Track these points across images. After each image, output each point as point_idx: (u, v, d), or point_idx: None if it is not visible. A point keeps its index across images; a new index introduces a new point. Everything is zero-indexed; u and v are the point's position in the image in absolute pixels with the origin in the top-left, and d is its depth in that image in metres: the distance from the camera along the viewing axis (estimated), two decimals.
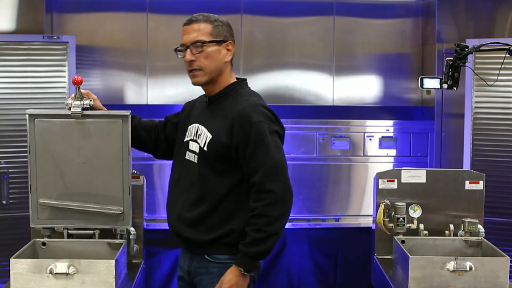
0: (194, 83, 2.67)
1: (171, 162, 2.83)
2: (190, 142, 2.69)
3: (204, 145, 2.60)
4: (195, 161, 2.63)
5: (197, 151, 2.62)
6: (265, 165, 2.51)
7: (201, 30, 2.61)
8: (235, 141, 2.54)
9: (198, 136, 2.65)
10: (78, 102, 2.94)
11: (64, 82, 4.29)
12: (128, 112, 2.96)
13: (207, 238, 2.60)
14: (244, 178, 2.58)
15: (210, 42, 2.60)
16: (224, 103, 2.65)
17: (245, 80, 2.75)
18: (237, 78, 2.73)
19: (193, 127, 2.70)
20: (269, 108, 2.62)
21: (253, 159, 2.52)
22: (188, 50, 2.61)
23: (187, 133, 2.73)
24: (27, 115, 2.98)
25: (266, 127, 2.54)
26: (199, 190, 2.61)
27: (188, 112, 2.81)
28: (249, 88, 2.74)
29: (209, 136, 2.60)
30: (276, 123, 2.60)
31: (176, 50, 2.66)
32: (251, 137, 2.52)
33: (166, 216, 2.83)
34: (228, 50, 2.64)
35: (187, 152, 2.69)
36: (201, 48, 2.59)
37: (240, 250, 2.54)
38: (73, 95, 2.95)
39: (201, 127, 2.65)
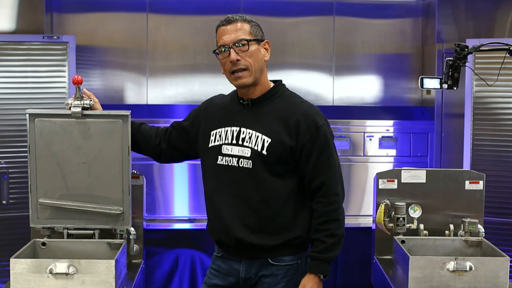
0: (240, 85, 2.59)
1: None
2: (225, 146, 2.61)
3: (262, 149, 2.54)
4: (246, 165, 2.56)
5: (249, 155, 2.56)
6: (330, 168, 2.58)
7: (242, 29, 2.56)
8: (301, 142, 2.54)
9: (244, 140, 2.58)
10: (78, 102, 2.94)
11: (64, 82, 4.29)
12: (128, 112, 2.96)
13: (275, 243, 2.59)
14: (301, 179, 2.59)
15: (253, 40, 2.56)
16: (271, 105, 2.61)
17: (282, 81, 2.72)
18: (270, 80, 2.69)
19: (226, 131, 2.62)
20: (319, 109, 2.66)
21: (318, 162, 2.55)
22: (232, 50, 2.54)
23: (212, 137, 2.65)
24: (27, 115, 2.99)
25: (328, 130, 2.59)
26: (259, 194, 2.56)
27: (206, 117, 2.72)
28: (288, 89, 2.72)
29: (267, 139, 2.55)
30: (329, 124, 2.64)
31: (214, 52, 2.60)
32: (318, 140, 2.55)
33: (207, 221, 2.74)
34: (265, 49, 2.63)
35: (220, 156, 2.61)
36: (246, 47, 2.55)
37: (315, 257, 2.58)
38: (74, 95, 2.96)
39: (247, 130, 2.58)
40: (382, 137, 4.74)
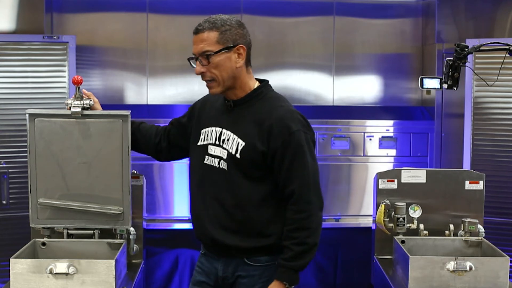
0: (211, 94, 2.60)
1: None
2: (210, 146, 2.61)
3: (236, 152, 2.53)
4: (224, 167, 2.56)
5: (225, 157, 2.55)
6: (303, 176, 2.51)
7: (207, 40, 2.50)
8: (272, 148, 2.50)
9: (223, 141, 2.57)
10: (78, 102, 2.94)
11: (64, 82, 4.29)
12: (128, 112, 2.96)
13: (250, 246, 2.57)
14: (277, 185, 2.55)
15: (217, 52, 2.50)
16: (252, 107, 2.57)
17: (268, 82, 2.66)
18: (256, 79, 2.65)
19: (212, 131, 2.62)
20: (301, 114, 2.58)
21: (290, 168, 2.50)
22: (198, 61, 2.53)
23: (202, 136, 2.65)
24: (27, 115, 2.99)
25: (303, 136, 2.52)
26: (233, 197, 2.55)
27: (199, 114, 2.73)
28: (274, 91, 2.67)
29: (242, 142, 2.52)
30: (309, 129, 2.58)
31: (189, 59, 2.59)
32: (290, 146, 2.49)
33: (191, 218, 2.75)
34: (239, 54, 2.53)
35: (207, 156, 2.61)
36: (209, 59, 2.50)
37: (282, 265, 2.53)
38: (74, 95, 2.96)
39: (227, 132, 2.57)
40: (382, 137, 4.74)
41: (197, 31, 2.54)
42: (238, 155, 2.53)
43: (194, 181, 2.69)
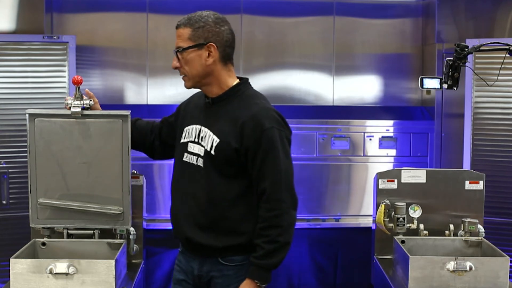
0: (185, 87, 2.65)
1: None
2: (190, 144, 2.63)
3: (211, 149, 2.54)
4: (200, 164, 2.57)
5: (202, 154, 2.56)
6: (275, 173, 2.50)
7: (181, 36, 2.55)
8: (245, 145, 2.50)
9: (201, 139, 2.58)
10: (78, 102, 2.95)
11: (64, 82, 4.29)
12: (128, 112, 2.96)
13: (223, 244, 2.56)
14: (252, 183, 2.55)
15: (187, 48, 2.53)
16: (229, 105, 2.58)
17: (247, 80, 2.67)
18: (238, 77, 2.65)
19: (192, 129, 2.64)
20: (277, 111, 2.57)
21: (262, 166, 2.49)
22: (174, 56, 2.58)
23: (184, 134, 2.67)
24: (27, 115, 2.99)
25: (277, 133, 2.51)
26: (207, 194, 2.56)
27: (184, 113, 2.75)
28: (253, 89, 2.67)
29: (216, 139, 2.53)
30: (285, 127, 2.57)
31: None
32: (262, 143, 2.49)
33: (169, 217, 2.75)
34: (209, 52, 2.54)
35: (186, 154, 2.63)
36: (181, 55, 2.55)
37: (254, 263, 2.52)
38: (73, 95, 2.96)
39: (205, 129, 2.59)
40: (382, 137, 4.74)
41: (176, 26, 2.59)
42: (212, 152, 2.54)
43: (174, 179, 2.71)
